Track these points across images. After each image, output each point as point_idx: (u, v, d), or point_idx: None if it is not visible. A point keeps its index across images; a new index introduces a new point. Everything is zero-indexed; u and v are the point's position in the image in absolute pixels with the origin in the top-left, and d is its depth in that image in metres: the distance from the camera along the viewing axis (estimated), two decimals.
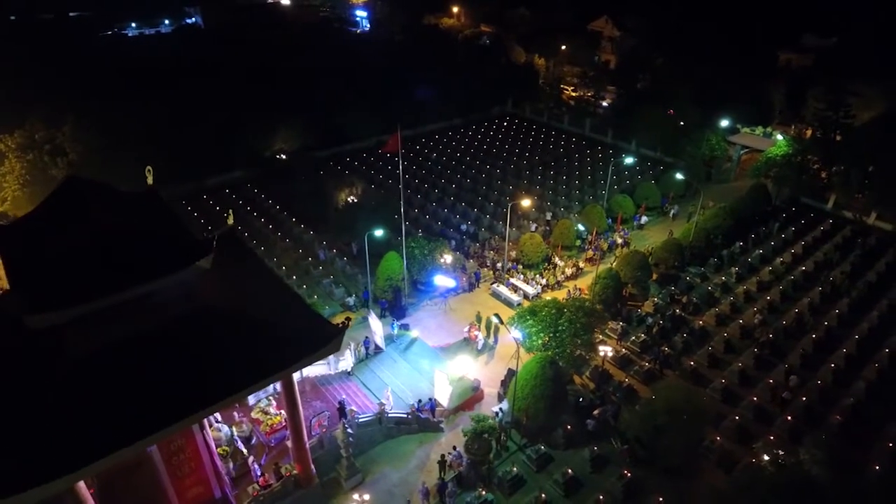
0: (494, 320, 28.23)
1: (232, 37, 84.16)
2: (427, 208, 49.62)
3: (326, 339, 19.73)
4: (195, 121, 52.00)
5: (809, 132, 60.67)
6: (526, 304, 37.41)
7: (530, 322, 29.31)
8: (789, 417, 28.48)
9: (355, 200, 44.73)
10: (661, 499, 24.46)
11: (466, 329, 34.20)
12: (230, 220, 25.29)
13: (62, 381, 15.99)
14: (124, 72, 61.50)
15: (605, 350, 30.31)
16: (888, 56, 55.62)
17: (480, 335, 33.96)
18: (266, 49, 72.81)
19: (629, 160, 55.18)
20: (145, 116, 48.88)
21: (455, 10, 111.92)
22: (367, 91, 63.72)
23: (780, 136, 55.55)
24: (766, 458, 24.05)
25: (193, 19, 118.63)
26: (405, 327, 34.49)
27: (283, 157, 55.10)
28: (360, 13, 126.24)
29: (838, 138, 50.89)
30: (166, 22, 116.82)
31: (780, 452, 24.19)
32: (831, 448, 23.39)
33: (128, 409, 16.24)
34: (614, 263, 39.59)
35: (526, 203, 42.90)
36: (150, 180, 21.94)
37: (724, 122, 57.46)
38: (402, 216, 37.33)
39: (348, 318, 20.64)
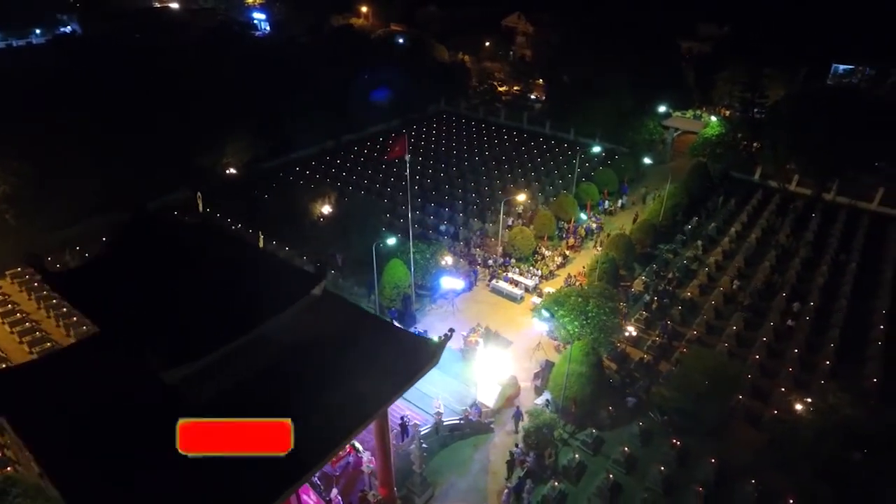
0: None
1: (122, 45, 75.36)
2: (398, 211, 48.83)
3: (429, 355, 19.15)
4: (123, 140, 46.85)
5: (723, 111, 67.00)
6: (528, 297, 38.27)
7: (561, 312, 30.08)
8: (790, 369, 31.76)
9: (332, 210, 42.94)
10: (712, 460, 26.37)
11: (465, 334, 34.01)
12: (261, 244, 23.60)
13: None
14: (15, 90, 53.57)
15: (630, 330, 31.86)
16: (784, 41, 62.51)
17: (481, 342, 33.88)
18: (172, 57, 66.00)
19: (596, 149, 57.60)
20: (70, 139, 43.39)
21: (363, 9, 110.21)
22: (300, 97, 60.78)
23: (714, 118, 60.87)
24: (798, 407, 26.53)
25: (69, 28, 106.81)
26: (424, 333, 33.84)
27: (234, 171, 51.60)
28: (259, 15, 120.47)
29: (756, 116, 56.86)
30: (37, 32, 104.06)
31: (809, 400, 26.77)
32: (857, 389, 26.25)
33: (262, 465, 14.78)
34: (599, 248, 41.50)
35: (521, 198, 43.55)
36: (200, 207, 19.90)
37: (662, 108, 61.77)
38: (410, 222, 36.57)
39: (451, 329, 20.08)
